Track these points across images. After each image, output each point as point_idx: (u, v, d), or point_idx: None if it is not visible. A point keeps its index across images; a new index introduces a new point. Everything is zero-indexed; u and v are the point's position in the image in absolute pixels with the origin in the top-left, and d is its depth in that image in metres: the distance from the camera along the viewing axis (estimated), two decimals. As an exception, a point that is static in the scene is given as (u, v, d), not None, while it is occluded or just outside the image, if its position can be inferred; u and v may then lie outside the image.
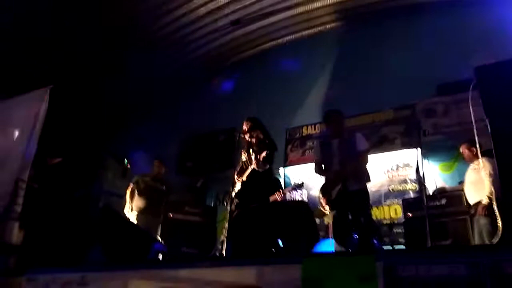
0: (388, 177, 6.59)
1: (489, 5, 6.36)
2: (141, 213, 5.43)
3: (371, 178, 4.36)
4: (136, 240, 3.95)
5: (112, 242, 3.84)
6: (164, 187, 5.84)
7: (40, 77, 5.17)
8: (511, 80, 2.73)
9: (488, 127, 2.63)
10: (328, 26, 8.06)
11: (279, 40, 8.51)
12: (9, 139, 4.92)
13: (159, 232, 5.28)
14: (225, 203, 4.99)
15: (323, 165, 4.46)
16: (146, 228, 5.04)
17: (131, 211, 5.45)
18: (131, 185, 5.60)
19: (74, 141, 6.30)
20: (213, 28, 7.95)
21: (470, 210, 4.58)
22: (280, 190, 4.65)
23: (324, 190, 4.34)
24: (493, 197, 4.09)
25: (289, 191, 5.57)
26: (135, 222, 5.22)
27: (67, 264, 4.04)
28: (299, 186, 5.26)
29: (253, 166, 4.30)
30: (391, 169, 6.63)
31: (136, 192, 5.56)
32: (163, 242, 4.89)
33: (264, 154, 4.22)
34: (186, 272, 3.16)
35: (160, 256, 4.58)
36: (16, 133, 4.88)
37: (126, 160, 4.75)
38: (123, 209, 5.47)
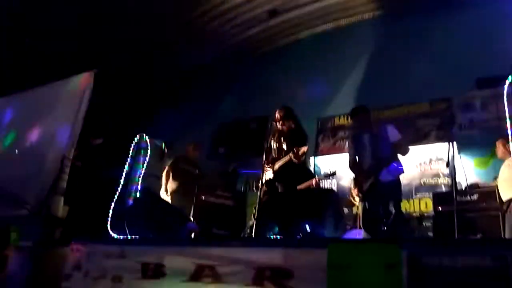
0: (420, 170, 6.50)
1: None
2: (175, 194, 5.65)
3: (404, 170, 4.37)
4: (172, 219, 4.17)
5: (151, 220, 4.08)
6: (197, 171, 6.04)
7: (84, 62, 5.45)
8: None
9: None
10: (364, 16, 7.94)
11: (314, 30, 8.47)
12: (57, 119, 5.25)
13: (191, 213, 5.49)
14: (254, 189, 5.09)
15: (356, 159, 4.52)
16: (180, 209, 5.27)
17: (166, 192, 5.70)
18: (167, 167, 5.84)
19: (115, 123, 6.63)
20: (248, 17, 8.01)
21: (503, 206, 4.50)
22: (314, 179, 4.68)
23: (356, 181, 4.40)
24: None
25: (320, 180, 5.60)
26: (170, 202, 5.46)
27: (108, 237, 4.34)
28: (331, 175, 5.28)
29: (291, 158, 4.26)
30: (424, 163, 6.53)
31: (171, 174, 5.79)
32: (195, 223, 5.10)
33: (304, 149, 4.22)
34: (218, 251, 3.29)
35: (193, 235, 4.79)
36: (63, 114, 5.20)
37: (163, 143, 4.96)
38: (160, 190, 5.72)
